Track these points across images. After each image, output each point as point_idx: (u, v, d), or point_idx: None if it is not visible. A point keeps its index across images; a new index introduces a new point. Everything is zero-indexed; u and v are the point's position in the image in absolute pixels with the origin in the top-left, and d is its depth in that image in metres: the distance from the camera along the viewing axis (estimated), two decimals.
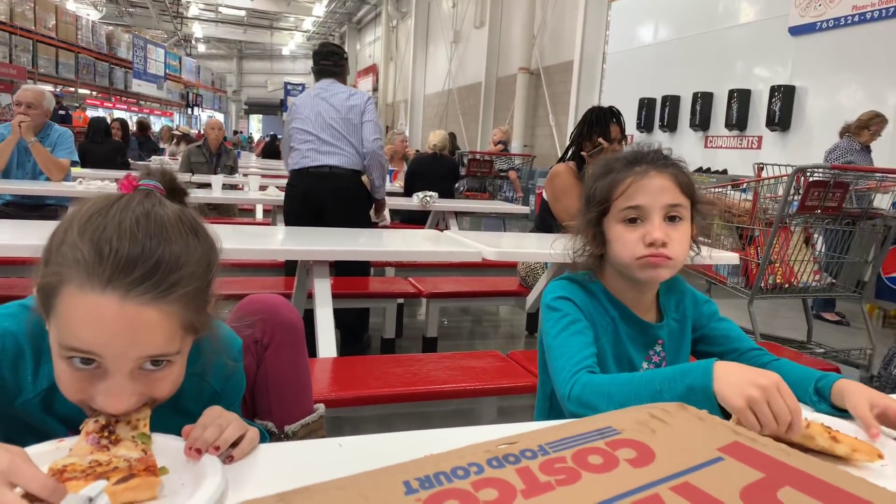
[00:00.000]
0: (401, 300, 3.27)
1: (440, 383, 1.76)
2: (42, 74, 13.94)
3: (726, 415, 0.77)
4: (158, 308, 0.66)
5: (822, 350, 3.21)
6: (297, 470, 0.68)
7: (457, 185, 5.85)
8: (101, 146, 6.10)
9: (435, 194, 4.16)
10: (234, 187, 5.15)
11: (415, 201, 4.13)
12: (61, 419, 0.75)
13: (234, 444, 0.68)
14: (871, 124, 4.44)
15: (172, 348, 0.69)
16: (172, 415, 0.82)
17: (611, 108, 2.83)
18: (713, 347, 1.15)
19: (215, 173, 4.88)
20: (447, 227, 4.35)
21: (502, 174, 6.69)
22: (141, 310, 0.65)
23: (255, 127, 32.43)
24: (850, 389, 0.87)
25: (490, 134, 13.29)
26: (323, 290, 2.09)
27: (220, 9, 24.21)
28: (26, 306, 0.75)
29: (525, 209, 4.37)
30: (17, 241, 1.79)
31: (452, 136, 9.45)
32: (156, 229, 0.67)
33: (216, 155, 5.58)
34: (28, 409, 0.74)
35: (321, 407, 1.02)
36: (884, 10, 5.60)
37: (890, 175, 2.89)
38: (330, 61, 3.33)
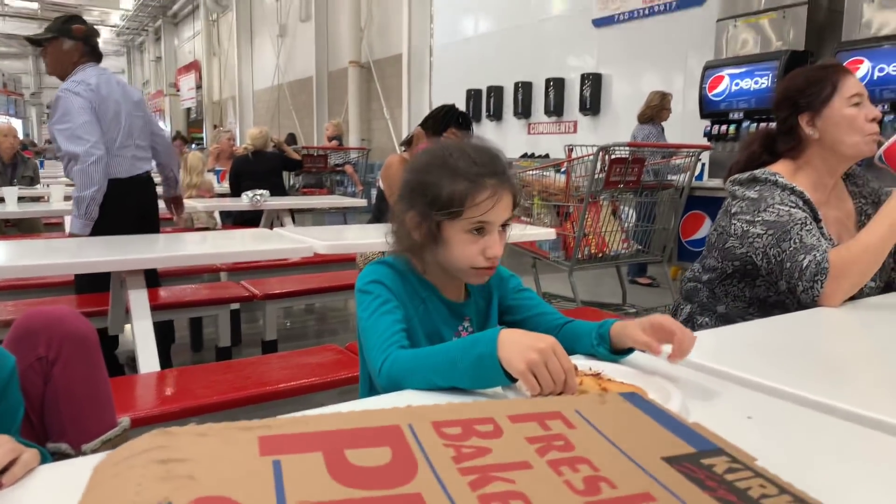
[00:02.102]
0: (235, 305, 3.13)
1: (275, 383, 1.71)
2: None
3: (513, 380, 0.83)
4: None
5: (634, 310, 3.56)
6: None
7: (293, 182, 5.70)
8: None
9: (266, 192, 4.02)
10: (37, 199, 4.63)
11: (244, 201, 3.96)
12: None
13: (5, 470, 0.61)
14: (665, 103, 4.98)
15: None
16: None
17: (460, 114, 2.86)
18: (516, 316, 1.24)
19: (11, 185, 4.34)
20: (282, 226, 4.22)
21: (339, 168, 6.63)
22: None
23: None
24: (624, 326, 0.98)
25: (324, 129, 13.11)
26: (139, 301, 1.94)
27: (8, 2, 21.43)
28: None
29: (363, 202, 4.36)
30: None
31: (292, 136, 9.21)
32: None
33: (11, 165, 4.96)
34: None
35: (125, 420, 0.95)
36: (669, 4, 6.29)
37: (678, 150, 3.26)
38: (97, 39, 2.96)
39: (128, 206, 2.83)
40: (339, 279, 3.20)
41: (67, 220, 5.00)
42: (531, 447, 0.57)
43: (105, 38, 27.46)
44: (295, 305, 3.99)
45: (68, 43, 2.77)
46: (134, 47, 29.81)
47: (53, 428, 0.88)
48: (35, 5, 22.37)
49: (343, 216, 6.07)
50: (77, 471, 0.67)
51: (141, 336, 1.86)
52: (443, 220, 1.05)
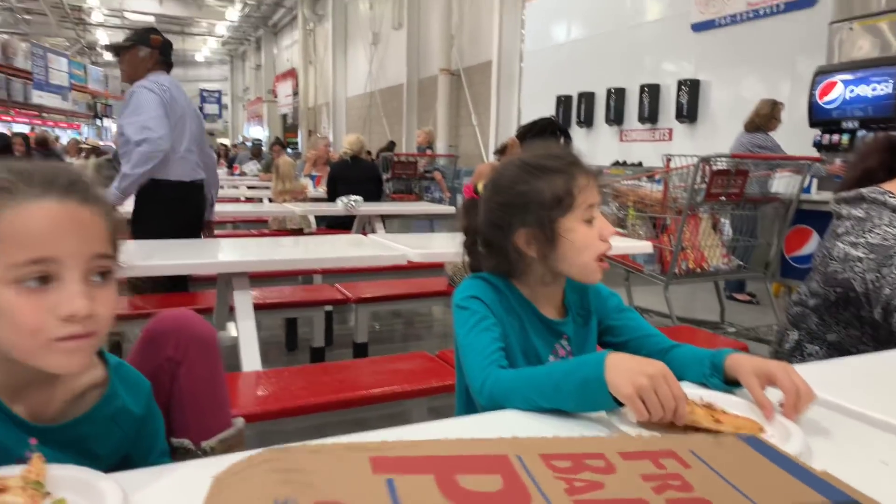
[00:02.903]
0: (329, 307, 3.24)
1: (369, 388, 1.75)
2: None
3: (620, 404, 0.81)
4: (90, 208, 0.72)
5: (733, 329, 3.40)
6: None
7: (384, 187, 5.84)
8: None
9: (359, 198, 4.13)
10: None
11: (339, 206, 4.09)
12: None
13: None
14: (775, 112, 4.72)
15: (111, 250, 0.74)
16: (79, 458, 0.79)
17: (560, 126, 2.86)
18: (617, 338, 1.21)
19: None
20: (373, 231, 4.33)
21: (428, 175, 6.73)
22: (78, 209, 0.71)
23: None
24: (739, 364, 0.93)
25: (414, 135, 13.34)
26: (244, 302, 2.04)
27: (127, 14, 23.17)
28: None
29: (451, 209, 4.41)
30: None
31: (392, 144, 9.46)
32: (63, 166, 0.76)
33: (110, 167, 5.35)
34: None
35: (240, 421, 1.00)
36: (775, 7, 5.97)
37: (784, 162, 3.08)
38: (170, 51, 3.10)
39: (186, 210, 3.02)
40: (427, 286, 3.24)
41: None
42: (647, 485, 0.56)
43: (211, 48, 29.22)
44: (384, 309, 4.07)
45: (144, 51, 2.96)
46: (237, 56, 31.50)
47: (177, 424, 0.95)
48: (151, 18, 24.06)
49: (430, 222, 6.15)
50: (195, 473, 0.71)
51: (245, 335, 1.95)
52: (558, 218, 1.04)
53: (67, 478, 0.65)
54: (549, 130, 2.82)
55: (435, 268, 3.62)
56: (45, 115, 19.08)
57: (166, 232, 2.65)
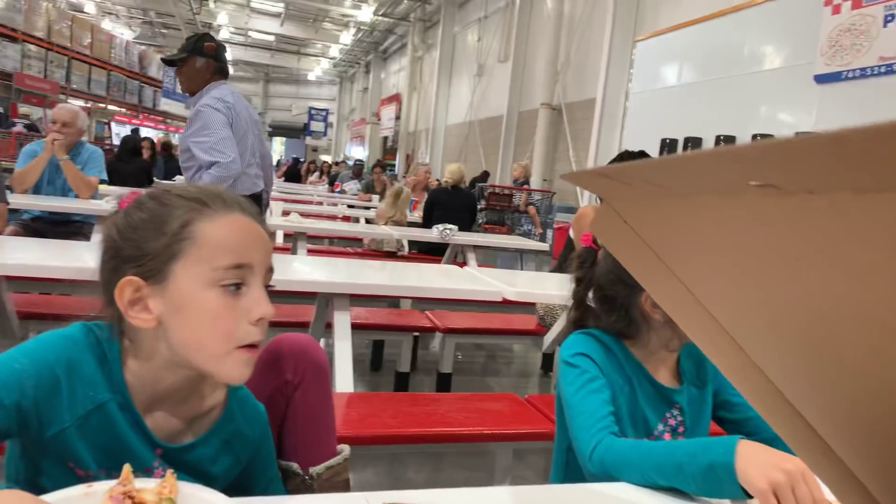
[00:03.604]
0: (416, 333, 3.26)
1: (456, 425, 1.74)
2: (74, 90, 14.29)
3: (747, 495, 0.75)
4: (262, 226, 0.81)
5: None
6: None
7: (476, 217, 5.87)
8: (129, 165, 6.20)
9: (455, 227, 4.17)
10: None
11: (434, 233, 4.14)
12: (95, 447, 0.76)
13: None
14: None
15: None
16: (195, 478, 0.81)
17: (641, 152, 2.86)
18: (734, 414, 1.14)
19: None
20: (465, 261, 4.35)
21: (521, 209, 6.71)
22: (258, 224, 0.80)
23: (278, 149, 32.90)
24: None
25: (510, 167, 13.37)
26: (343, 323, 2.09)
27: (250, 33, 24.77)
28: (64, 335, 0.77)
29: (545, 246, 4.36)
30: (49, 262, 1.81)
31: (486, 174, 9.53)
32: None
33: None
34: (61, 439, 0.74)
35: (346, 449, 1.01)
36: None
37: None
38: (225, 56, 3.06)
39: None
40: (516, 322, 3.20)
41: (280, 234, 5.57)
42: None
43: (323, 68, 30.67)
44: (469, 341, 4.06)
45: (200, 61, 2.94)
46: (346, 78, 32.90)
47: (287, 447, 0.96)
48: (272, 38, 25.60)
49: (519, 256, 6.11)
50: None
51: (341, 356, 1.99)
52: None
53: (196, 497, 0.67)
54: (631, 158, 2.79)
55: (526, 305, 3.58)
56: (168, 121, 20.60)
57: None
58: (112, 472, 0.76)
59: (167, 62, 3.09)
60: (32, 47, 12.52)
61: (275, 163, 21.52)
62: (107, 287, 0.78)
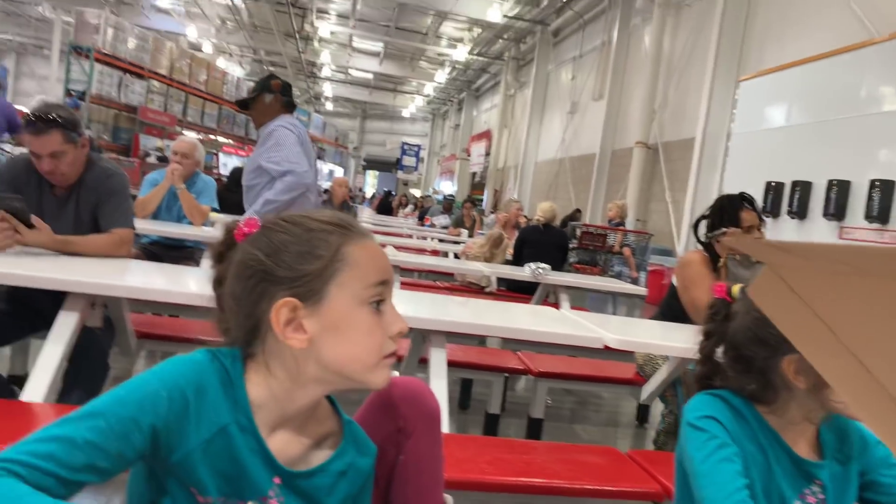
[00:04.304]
0: (507, 374, 3.20)
1: (555, 477, 1.66)
2: (189, 122, 15.37)
3: None
4: None
5: None
6: None
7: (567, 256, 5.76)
8: (235, 195, 6.53)
9: (547, 266, 4.10)
10: None
11: (526, 272, 4.08)
12: (215, 472, 0.77)
13: None
14: None
15: None
16: None
17: (742, 194, 2.74)
18: (884, 497, 1.01)
19: None
20: (557, 301, 4.25)
21: (615, 250, 6.53)
22: None
23: (371, 182, 33.94)
24: None
25: (601, 206, 13.12)
26: (439, 361, 2.06)
27: (351, 71, 25.91)
28: (191, 360, 0.79)
29: (642, 290, 4.20)
30: (168, 287, 1.91)
31: (578, 211, 9.38)
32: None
33: (339, 209, 5.83)
34: (186, 462, 0.76)
35: (450, 500, 0.98)
36: None
37: None
38: (291, 93, 3.26)
39: None
40: (613, 370, 3.07)
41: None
42: None
43: (417, 105, 31.55)
44: (561, 386, 3.94)
45: (269, 97, 3.18)
46: (438, 115, 33.68)
47: (396, 496, 0.93)
48: (371, 76, 26.66)
49: (612, 299, 5.93)
50: None
51: (437, 395, 1.96)
52: None
53: None
54: (733, 201, 2.66)
55: (622, 352, 3.44)
56: None
57: None
58: (229, 499, 0.76)
59: (240, 104, 3.35)
60: (156, 83, 13.60)
61: (368, 196, 22.19)
62: (249, 310, 0.80)
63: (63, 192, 2.25)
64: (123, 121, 12.20)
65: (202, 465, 0.76)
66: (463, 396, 3.49)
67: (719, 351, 1.08)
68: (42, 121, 2.10)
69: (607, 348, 2.22)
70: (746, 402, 1.03)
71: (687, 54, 10.97)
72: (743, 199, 2.70)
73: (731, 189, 8.07)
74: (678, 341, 2.20)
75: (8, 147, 4.26)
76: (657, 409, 3.72)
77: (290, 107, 3.25)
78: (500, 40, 19.21)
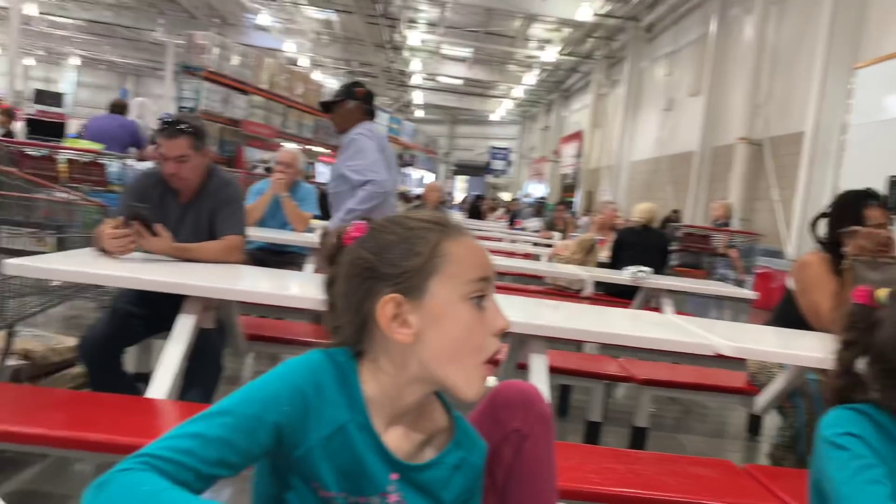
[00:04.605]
0: (607, 381, 3.10)
1: (666, 490, 1.58)
2: (288, 134, 16.08)
3: None
4: None
5: None
6: None
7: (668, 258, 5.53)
8: None
9: (649, 270, 3.95)
10: None
11: (625, 275, 3.95)
12: (335, 469, 0.79)
13: None
14: None
15: None
16: (427, 502, 0.81)
17: (866, 189, 2.52)
18: None
19: None
20: (659, 305, 4.08)
21: (720, 252, 6.22)
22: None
23: (460, 187, 34.19)
24: None
25: (702, 205, 12.55)
26: (540, 367, 2.02)
27: (439, 78, 26.23)
28: (308, 360, 0.82)
29: (753, 294, 3.96)
30: (276, 291, 1.99)
31: (675, 212, 9.03)
32: None
33: None
34: (307, 458, 0.79)
35: None
36: None
37: None
38: (373, 101, 3.30)
39: None
40: (721, 378, 2.91)
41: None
42: None
43: (506, 109, 31.50)
44: (667, 394, 3.79)
45: (352, 103, 3.20)
46: (527, 117, 33.46)
47: (512, 499, 0.94)
48: (460, 81, 26.88)
49: (716, 304, 5.63)
50: None
51: None
52: None
53: None
54: (856, 197, 2.44)
55: (728, 358, 3.25)
56: None
57: None
58: (350, 495, 0.79)
59: (323, 105, 3.40)
60: (257, 98, 14.33)
61: (459, 200, 22.37)
62: (356, 309, 0.82)
63: (185, 201, 2.41)
64: (228, 134, 12.95)
65: (322, 462, 0.79)
66: (561, 403, 3.42)
67: (860, 362, 0.99)
68: (174, 126, 2.30)
69: (719, 356, 2.10)
70: (893, 418, 0.93)
71: (794, 43, 10.30)
72: (867, 196, 2.49)
73: (849, 185, 7.52)
74: (798, 349, 2.05)
75: (130, 161, 4.62)
76: (770, 421, 3.49)
77: (370, 114, 3.30)
78: (591, 39, 18.82)
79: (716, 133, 12.60)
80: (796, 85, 10.01)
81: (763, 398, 2.60)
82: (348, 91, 3.26)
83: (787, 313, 2.61)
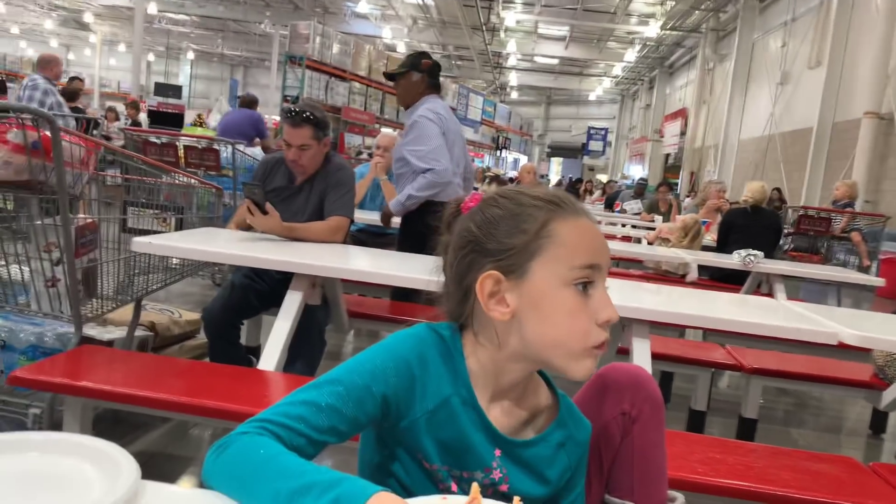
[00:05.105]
0: (713, 369, 2.95)
1: (782, 485, 1.49)
2: (386, 119, 16.41)
3: None
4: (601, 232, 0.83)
5: None
6: None
7: (781, 242, 5.18)
8: None
9: (760, 254, 3.72)
10: None
11: (735, 259, 3.74)
12: (438, 442, 0.80)
13: None
14: None
15: None
16: (532, 478, 0.81)
17: None
18: None
19: None
20: (771, 292, 3.84)
21: (842, 235, 5.74)
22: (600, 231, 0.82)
23: (555, 169, 33.63)
24: None
25: (819, 185, 11.66)
26: (643, 352, 1.96)
27: (536, 58, 25.79)
28: (414, 334, 0.83)
29: (880, 281, 3.63)
30: (378, 270, 2.03)
31: (776, 191, 8.45)
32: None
33: None
34: (411, 430, 0.80)
35: (680, 496, 0.92)
36: None
37: None
38: (439, 73, 3.17)
39: None
40: (842, 370, 2.70)
41: None
42: None
43: (605, 87, 30.55)
44: (778, 385, 3.58)
45: (416, 76, 3.09)
46: (627, 95, 32.29)
47: (620, 482, 0.92)
48: (556, 61, 26.32)
49: (837, 291, 5.21)
50: None
51: None
52: None
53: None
54: None
55: (849, 349, 3.00)
56: None
57: (430, 247, 2.71)
58: (453, 469, 0.79)
59: (388, 76, 3.35)
60: (357, 84, 14.69)
61: (554, 182, 22.02)
62: (460, 280, 0.82)
63: (302, 182, 2.53)
64: (329, 121, 13.42)
65: (426, 435, 0.80)
66: (663, 390, 3.29)
67: None
68: (299, 115, 2.41)
69: (841, 345, 1.94)
70: None
71: None
72: None
73: None
74: None
75: (249, 151, 4.88)
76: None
77: (436, 88, 3.19)
78: (697, 11, 17.82)
79: (838, 108, 11.61)
80: None
81: (892, 393, 2.40)
82: (413, 63, 3.16)
83: None
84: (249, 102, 6.93)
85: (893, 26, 9.90)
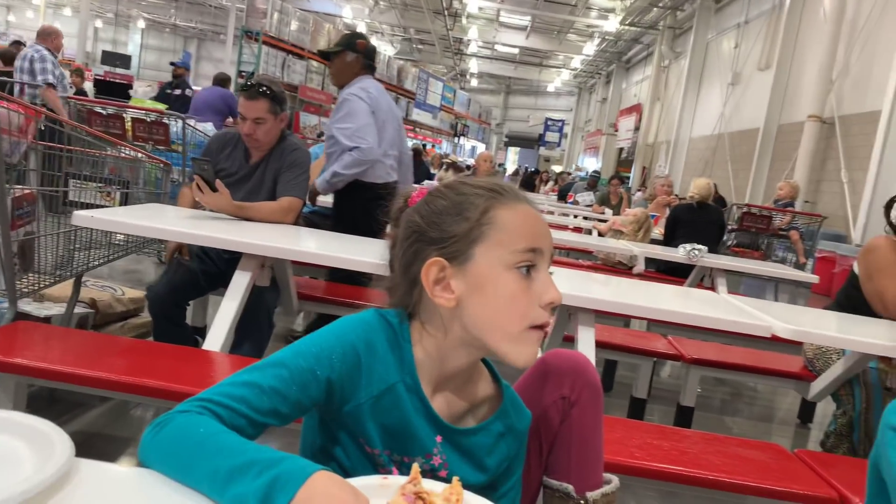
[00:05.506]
0: (655, 359, 3.05)
1: (712, 469, 1.56)
2: None
3: None
4: (541, 216, 0.84)
5: None
6: None
7: (724, 238, 5.37)
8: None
9: (704, 248, 3.84)
10: None
11: (680, 253, 3.85)
12: (382, 427, 0.81)
13: None
14: None
15: None
16: (471, 466, 0.82)
17: None
18: None
19: None
20: (713, 285, 3.98)
21: (782, 232, 5.98)
22: (541, 215, 0.84)
23: (511, 159, 33.84)
24: None
25: (763, 185, 12.09)
26: (588, 340, 2.01)
27: (496, 46, 25.83)
28: (361, 319, 0.83)
29: (814, 278, 3.81)
30: (325, 252, 2.02)
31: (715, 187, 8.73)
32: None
33: None
34: (355, 415, 0.81)
35: (615, 479, 0.96)
36: None
37: None
38: (375, 55, 3.19)
39: (376, 212, 3.01)
40: (774, 362, 2.82)
41: None
42: None
43: (563, 80, 30.84)
44: (715, 375, 3.72)
45: (351, 56, 3.09)
46: (585, 89, 32.69)
47: (558, 466, 0.94)
48: (516, 50, 26.41)
49: (772, 287, 5.44)
50: None
51: None
52: None
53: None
54: None
55: (783, 342, 3.15)
56: (417, 129, 22.32)
57: (363, 229, 2.71)
58: (395, 454, 0.81)
59: (322, 54, 3.32)
60: (314, 63, 14.42)
61: (511, 171, 22.16)
62: (406, 269, 0.83)
63: (256, 161, 2.48)
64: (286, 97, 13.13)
65: (370, 419, 0.80)
66: (606, 378, 3.39)
67: None
68: (256, 89, 2.38)
69: (775, 338, 2.04)
70: None
71: (876, 15, 9.69)
72: None
73: None
74: (861, 335, 1.97)
75: (200, 126, 4.77)
76: (823, 408, 3.39)
77: (370, 69, 3.18)
78: (655, 8, 18.14)
79: (784, 110, 12.05)
80: (874, 60, 9.44)
81: (819, 384, 2.53)
82: (349, 42, 3.14)
83: (850, 298, 2.51)
84: (222, 81, 6.94)
85: (839, 34, 10.30)
